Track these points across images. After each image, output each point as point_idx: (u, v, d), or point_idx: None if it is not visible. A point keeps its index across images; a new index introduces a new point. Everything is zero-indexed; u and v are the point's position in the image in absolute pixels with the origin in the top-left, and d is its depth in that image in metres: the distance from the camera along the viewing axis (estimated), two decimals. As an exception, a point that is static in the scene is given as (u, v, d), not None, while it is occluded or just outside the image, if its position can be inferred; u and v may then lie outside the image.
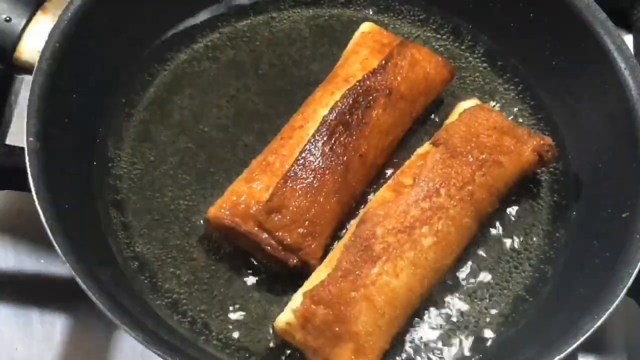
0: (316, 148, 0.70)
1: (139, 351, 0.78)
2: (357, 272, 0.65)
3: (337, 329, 0.64)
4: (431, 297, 0.72)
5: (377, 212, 0.68)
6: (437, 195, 0.69)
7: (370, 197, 0.75)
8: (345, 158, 0.70)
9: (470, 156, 0.71)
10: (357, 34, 0.80)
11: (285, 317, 0.66)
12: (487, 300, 0.73)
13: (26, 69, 0.75)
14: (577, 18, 0.79)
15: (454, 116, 0.77)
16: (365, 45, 0.78)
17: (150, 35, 0.83)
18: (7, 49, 0.75)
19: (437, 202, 0.69)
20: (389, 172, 0.77)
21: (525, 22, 0.83)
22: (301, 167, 0.69)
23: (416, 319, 0.71)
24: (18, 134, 0.79)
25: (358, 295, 0.64)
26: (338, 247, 0.70)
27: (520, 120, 0.83)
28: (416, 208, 0.68)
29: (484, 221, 0.73)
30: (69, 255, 0.63)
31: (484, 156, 0.72)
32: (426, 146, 0.75)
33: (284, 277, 0.72)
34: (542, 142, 0.74)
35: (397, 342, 0.69)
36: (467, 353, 0.71)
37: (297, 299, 0.66)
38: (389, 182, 0.73)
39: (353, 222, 0.72)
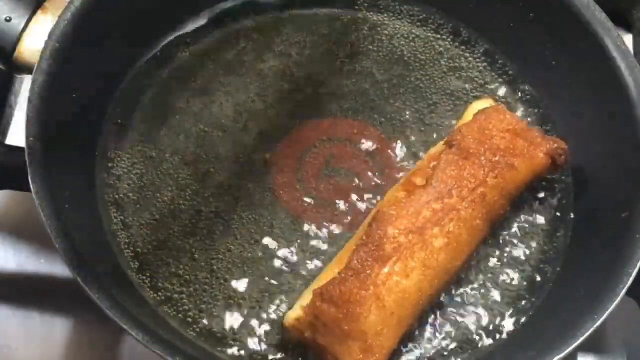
0: None
1: (139, 351, 0.78)
2: (367, 272, 0.65)
3: (346, 327, 0.64)
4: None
5: (389, 212, 0.68)
6: (449, 197, 0.69)
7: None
8: None
9: (483, 158, 0.71)
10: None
11: (294, 314, 0.67)
12: (488, 302, 0.74)
13: (26, 69, 0.75)
14: (577, 18, 0.79)
15: (468, 116, 0.76)
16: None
17: (151, 35, 0.83)
18: (7, 49, 0.75)
19: (449, 203, 0.68)
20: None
21: (525, 22, 0.83)
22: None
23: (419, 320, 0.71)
24: (18, 134, 0.79)
25: (368, 295, 0.64)
26: (349, 246, 0.70)
27: (520, 120, 0.82)
28: (428, 209, 0.68)
29: (495, 224, 0.73)
30: (69, 255, 0.63)
31: (497, 158, 0.71)
32: (439, 147, 0.74)
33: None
34: (555, 145, 0.74)
35: (404, 342, 0.69)
36: (467, 354, 0.71)
37: (307, 297, 0.67)
38: (402, 181, 0.73)
39: (364, 222, 0.72)
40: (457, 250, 0.69)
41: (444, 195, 0.69)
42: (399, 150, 0.80)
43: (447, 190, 0.69)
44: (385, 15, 0.88)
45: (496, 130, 0.73)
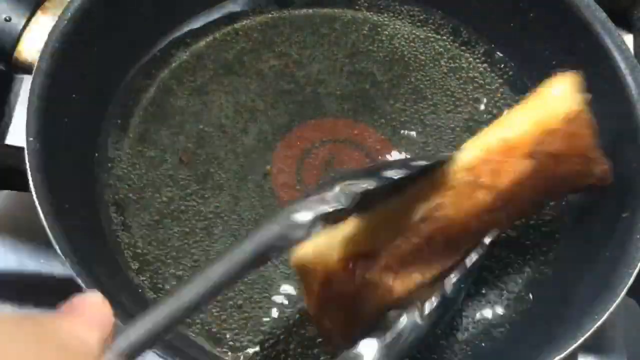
0: None
1: (138, 351, 0.78)
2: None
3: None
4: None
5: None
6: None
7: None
8: None
9: (554, 179, 0.67)
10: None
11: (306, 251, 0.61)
12: (487, 301, 0.73)
13: (26, 69, 0.75)
14: (577, 18, 0.79)
15: (544, 98, 0.68)
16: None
17: (151, 35, 0.83)
18: (6, 49, 0.75)
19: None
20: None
21: (525, 22, 0.83)
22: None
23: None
24: (18, 134, 0.79)
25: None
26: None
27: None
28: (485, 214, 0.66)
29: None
30: (69, 255, 0.63)
31: (563, 182, 0.68)
32: (494, 144, 0.66)
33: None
34: (606, 167, 0.69)
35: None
36: (467, 354, 0.71)
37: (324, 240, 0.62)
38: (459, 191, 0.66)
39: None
40: None
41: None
42: (399, 150, 0.80)
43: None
44: (385, 15, 0.88)
45: (575, 153, 0.66)
